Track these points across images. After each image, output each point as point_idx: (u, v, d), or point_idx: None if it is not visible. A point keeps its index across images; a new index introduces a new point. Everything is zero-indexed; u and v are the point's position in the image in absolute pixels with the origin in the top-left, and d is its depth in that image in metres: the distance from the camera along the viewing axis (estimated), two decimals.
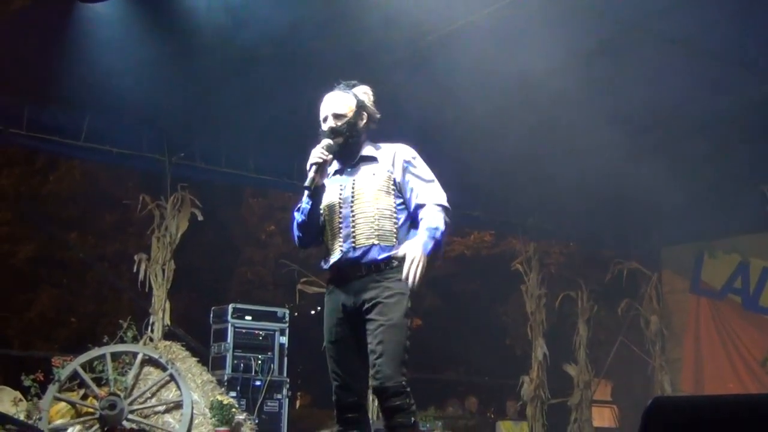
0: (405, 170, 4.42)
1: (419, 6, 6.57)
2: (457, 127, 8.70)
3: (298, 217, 4.52)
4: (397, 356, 4.13)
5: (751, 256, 11.79)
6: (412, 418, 4.12)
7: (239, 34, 6.92)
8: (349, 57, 7.57)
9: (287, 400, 9.14)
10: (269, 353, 9.11)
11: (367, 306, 4.23)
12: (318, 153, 4.35)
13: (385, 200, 4.34)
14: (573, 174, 9.74)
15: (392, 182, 4.39)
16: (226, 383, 8.69)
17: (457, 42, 6.91)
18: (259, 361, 8.99)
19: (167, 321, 8.80)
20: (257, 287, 16.15)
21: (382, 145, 4.56)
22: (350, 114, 4.45)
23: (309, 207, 4.43)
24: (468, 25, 7.00)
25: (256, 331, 9.11)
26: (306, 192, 4.41)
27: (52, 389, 7.66)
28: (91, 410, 7.72)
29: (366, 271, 4.28)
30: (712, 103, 8.69)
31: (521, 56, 7.05)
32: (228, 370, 8.83)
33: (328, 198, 4.44)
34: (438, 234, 4.22)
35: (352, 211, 4.34)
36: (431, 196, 4.36)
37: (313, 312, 15.34)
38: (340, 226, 4.36)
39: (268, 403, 8.94)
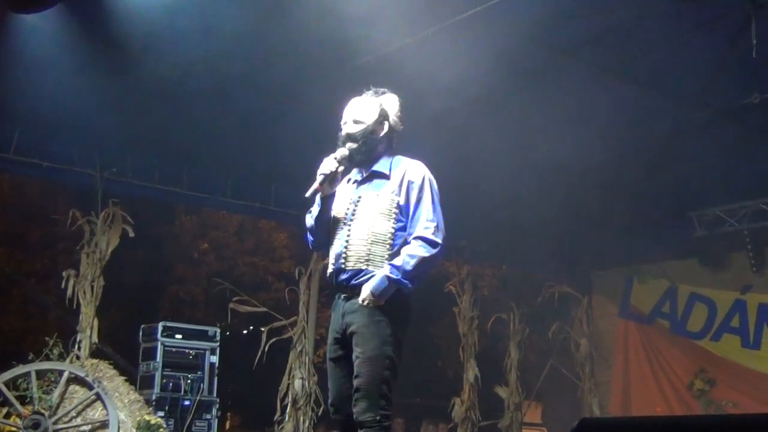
0: (408, 193, 4.33)
1: (353, 28, 6.59)
2: None
3: (308, 220, 4.50)
4: (371, 391, 4.09)
5: (679, 281, 11.99)
6: None
7: (173, 51, 6.87)
8: (282, 76, 7.59)
9: (216, 420, 9.03)
10: (199, 372, 9.01)
11: (349, 332, 4.22)
12: (328, 165, 4.30)
13: (383, 225, 4.27)
14: (504, 198, 9.84)
15: (395, 206, 4.31)
16: (154, 403, 8.56)
17: (389, 65, 6.94)
18: (189, 381, 8.87)
19: (95, 339, 8.65)
20: (189, 306, 15.98)
21: (401, 159, 4.46)
22: (370, 121, 4.39)
23: (317, 213, 4.43)
24: (401, 49, 7.04)
25: (187, 350, 9.00)
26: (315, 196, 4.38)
27: None
28: (14, 429, 7.54)
29: (351, 294, 4.26)
30: (640, 130, 8.85)
31: (451, 80, 7.11)
32: (156, 389, 8.70)
33: (336, 208, 4.42)
34: (400, 275, 4.17)
35: (349, 232, 4.30)
36: (419, 228, 4.28)
37: (245, 331, 15.21)
38: (337, 243, 4.34)
39: (197, 424, 8.82)
